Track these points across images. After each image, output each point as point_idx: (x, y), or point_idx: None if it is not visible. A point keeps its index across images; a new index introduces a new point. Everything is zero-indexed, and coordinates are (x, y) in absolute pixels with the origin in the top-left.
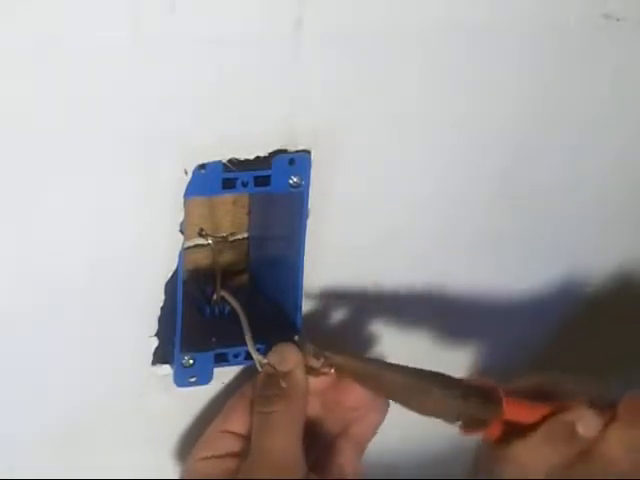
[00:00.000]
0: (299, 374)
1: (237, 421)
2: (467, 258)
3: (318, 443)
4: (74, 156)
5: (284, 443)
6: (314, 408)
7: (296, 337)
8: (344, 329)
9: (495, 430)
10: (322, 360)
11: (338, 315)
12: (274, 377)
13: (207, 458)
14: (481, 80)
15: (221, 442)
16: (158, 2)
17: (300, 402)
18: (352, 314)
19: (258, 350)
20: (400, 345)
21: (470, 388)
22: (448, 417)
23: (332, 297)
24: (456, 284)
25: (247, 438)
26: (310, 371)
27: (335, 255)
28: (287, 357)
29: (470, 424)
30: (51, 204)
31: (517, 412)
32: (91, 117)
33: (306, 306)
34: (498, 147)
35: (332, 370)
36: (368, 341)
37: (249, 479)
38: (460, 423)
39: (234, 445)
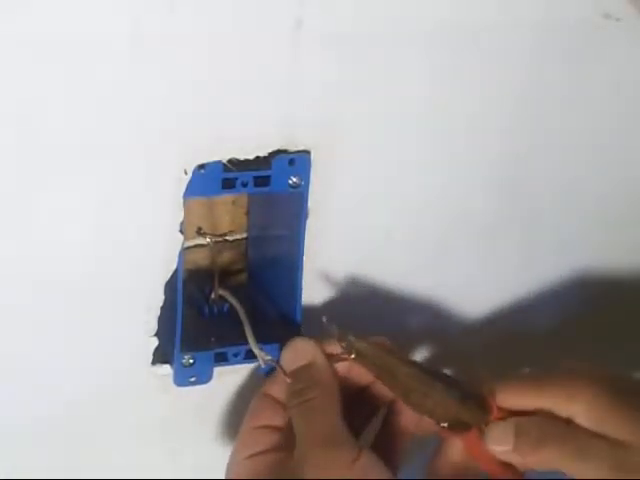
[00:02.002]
0: (320, 361)
1: (268, 415)
2: (467, 258)
3: (376, 409)
4: (74, 156)
5: (326, 424)
6: (365, 377)
7: (324, 318)
8: (344, 329)
9: (473, 437)
10: (344, 344)
11: (338, 315)
12: (299, 372)
13: (251, 456)
14: (481, 80)
15: (259, 438)
16: (158, 2)
17: (330, 386)
18: (352, 314)
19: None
20: (400, 345)
21: (468, 393)
22: (440, 417)
23: (331, 297)
24: (456, 284)
25: (283, 430)
26: (330, 358)
27: (335, 255)
28: (301, 351)
29: (456, 427)
30: (51, 204)
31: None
32: (91, 117)
33: (305, 306)
34: (498, 147)
35: (352, 356)
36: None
37: (303, 464)
38: (446, 424)
39: (273, 439)
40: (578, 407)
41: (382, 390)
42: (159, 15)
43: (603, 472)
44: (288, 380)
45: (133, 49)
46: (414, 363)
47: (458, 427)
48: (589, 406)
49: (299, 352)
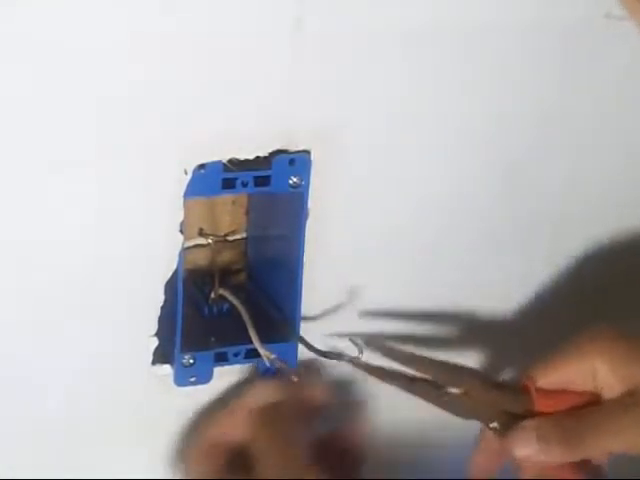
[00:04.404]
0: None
1: (230, 431)
2: (468, 257)
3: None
4: (74, 156)
5: (294, 459)
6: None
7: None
8: (344, 328)
9: None
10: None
11: (337, 315)
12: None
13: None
14: (482, 81)
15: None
16: (158, 2)
17: (309, 392)
18: (352, 314)
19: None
20: (400, 344)
21: (501, 382)
22: (484, 415)
23: (332, 297)
24: (456, 283)
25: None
26: None
27: (335, 255)
28: (276, 388)
29: (505, 424)
30: (51, 204)
31: (548, 404)
32: (91, 117)
33: (305, 306)
34: (500, 148)
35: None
36: (368, 340)
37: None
38: (496, 425)
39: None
40: (599, 363)
41: None
42: (159, 15)
43: None
44: (295, 379)
45: (133, 49)
46: (440, 362)
47: (507, 424)
48: (609, 356)
49: (273, 389)
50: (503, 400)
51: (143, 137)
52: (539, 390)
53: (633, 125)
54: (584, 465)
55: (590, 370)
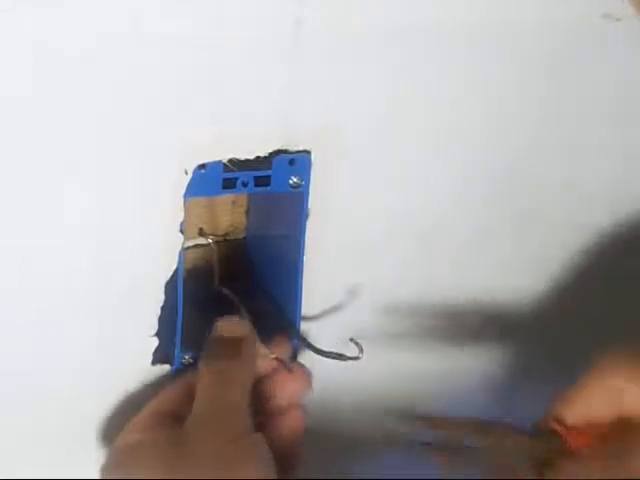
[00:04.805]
0: (250, 342)
1: (175, 402)
2: (468, 257)
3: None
4: (74, 157)
5: (233, 398)
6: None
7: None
8: (344, 328)
9: None
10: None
11: (338, 315)
12: (228, 341)
13: (139, 430)
14: (481, 80)
15: (156, 419)
16: (158, 2)
17: (250, 363)
18: (352, 314)
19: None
20: (399, 344)
21: (531, 430)
22: (523, 468)
23: (332, 297)
24: (456, 283)
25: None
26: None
27: (335, 255)
28: (238, 326)
29: (539, 471)
30: (51, 204)
31: (581, 441)
32: (91, 117)
33: (305, 306)
34: (498, 147)
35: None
36: (367, 340)
37: (194, 427)
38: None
39: (169, 421)
40: (624, 384)
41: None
42: (159, 15)
43: None
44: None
45: (133, 49)
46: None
47: (543, 469)
48: (633, 375)
49: (235, 326)
50: (537, 449)
51: (143, 137)
52: (570, 428)
53: (632, 125)
54: None
55: (616, 394)
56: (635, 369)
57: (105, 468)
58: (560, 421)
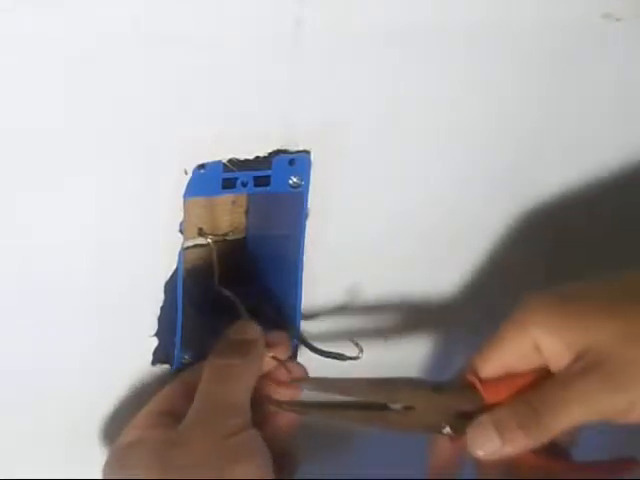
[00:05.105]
0: (259, 344)
1: (176, 402)
2: (468, 257)
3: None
4: (74, 157)
5: (233, 395)
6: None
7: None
8: (344, 328)
9: None
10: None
11: (337, 315)
12: (235, 341)
13: (140, 427)
14: (481, 80)
15: (157, 420)
16: (158, 2)
17: (256, 364)
18: (351, 314)
19: None
20: (399, 344)
21: (439, 383)
22: (434, 423)
23: (331, 297)
24: (456, 283)
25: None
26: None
27: (335, 255)
28: (248, 329)
29: (458, 427)
30: (51, 204)
31: (498, 393)
32: (91, 117)
33: (305, 306)
34: (498, 147)
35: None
36: (367, 340)
37: (192, 423)
38: (448, 430)
39: (170, 421)
40: (540, 335)
41: None
42: (159, 15)
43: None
44: (288, 378)
45: (133, 49)
46: (375, 381)
47: (460, 427)
48: (548, 324)
49: (246, 328)
50: (450, 402)
51: (143, 137)
52: (485, 381)
53: (633, 125)
54: (551, 446)
55: (532, 345)
56: (552, 317)
57: (105, 468)
58: (475, 373)
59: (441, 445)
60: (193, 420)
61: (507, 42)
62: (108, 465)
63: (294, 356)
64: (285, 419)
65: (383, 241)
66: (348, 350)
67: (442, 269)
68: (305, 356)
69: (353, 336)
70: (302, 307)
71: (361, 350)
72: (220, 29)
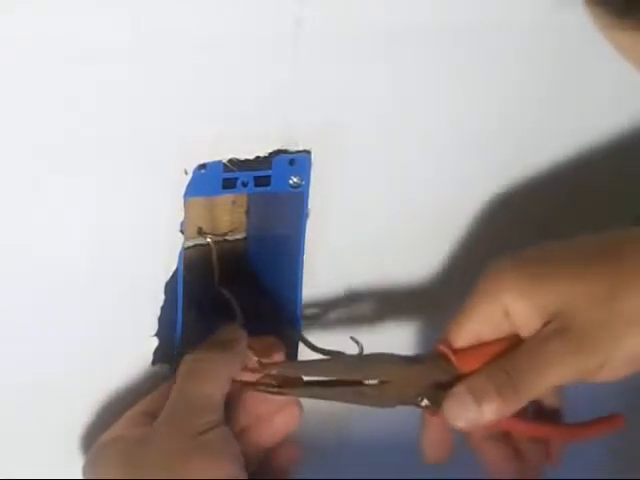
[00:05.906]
0: (241, 344)
1: (157, 404)
2: (468, 257)
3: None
4: (74, 156)
5: (205, 390)
6: None
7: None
8: (343, 329)
9: None
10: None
11: (338, 315)
12: (214, 339)
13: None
14: (481, 80)
15: (139, 419)
16: (158, 2)
17: (232, 358)
18: (352, 313)
19: None
20: (399, 343)
21: (412, 356)
22: (411, 397)
23: (331, 297)
24: (456, 283)
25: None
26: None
27: (335, 255)
28: (230, 331)
29: (436, 399)
30: (51, 204)
31: (471, 362)
32: (91, 117)
33: (306, 305)
34: (498, 147)
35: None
36: (367, 339)
37: (163, 421)
38: (426, 402)
39: (142, 421)
40: (508, 300)
41: None
42: (159, 14)
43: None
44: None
45: (133, 49)
46: (349, 357)
47: (438, 398)
48: (516, 288)
49: (229, 330)
50: (425, 374)
51: (143, 137)
52: (457, 351)
53: (633, 125)
54: (539, 412)
55: (502, 311)
56: (520, 282)
57: (83, 467)
58: (447, 343)
59: (431, 422)
60: (164, 417)
61: (507, 42)
62: (85, 465)
63: (294, 356)
64: (285, 454)
65: (383, 241)
66: (348, 349)
67: (442, 269)
68: (305, 355)
69: (353, 335)
70: (302, 306)
71: (361, 348)
72: (220, 29)
